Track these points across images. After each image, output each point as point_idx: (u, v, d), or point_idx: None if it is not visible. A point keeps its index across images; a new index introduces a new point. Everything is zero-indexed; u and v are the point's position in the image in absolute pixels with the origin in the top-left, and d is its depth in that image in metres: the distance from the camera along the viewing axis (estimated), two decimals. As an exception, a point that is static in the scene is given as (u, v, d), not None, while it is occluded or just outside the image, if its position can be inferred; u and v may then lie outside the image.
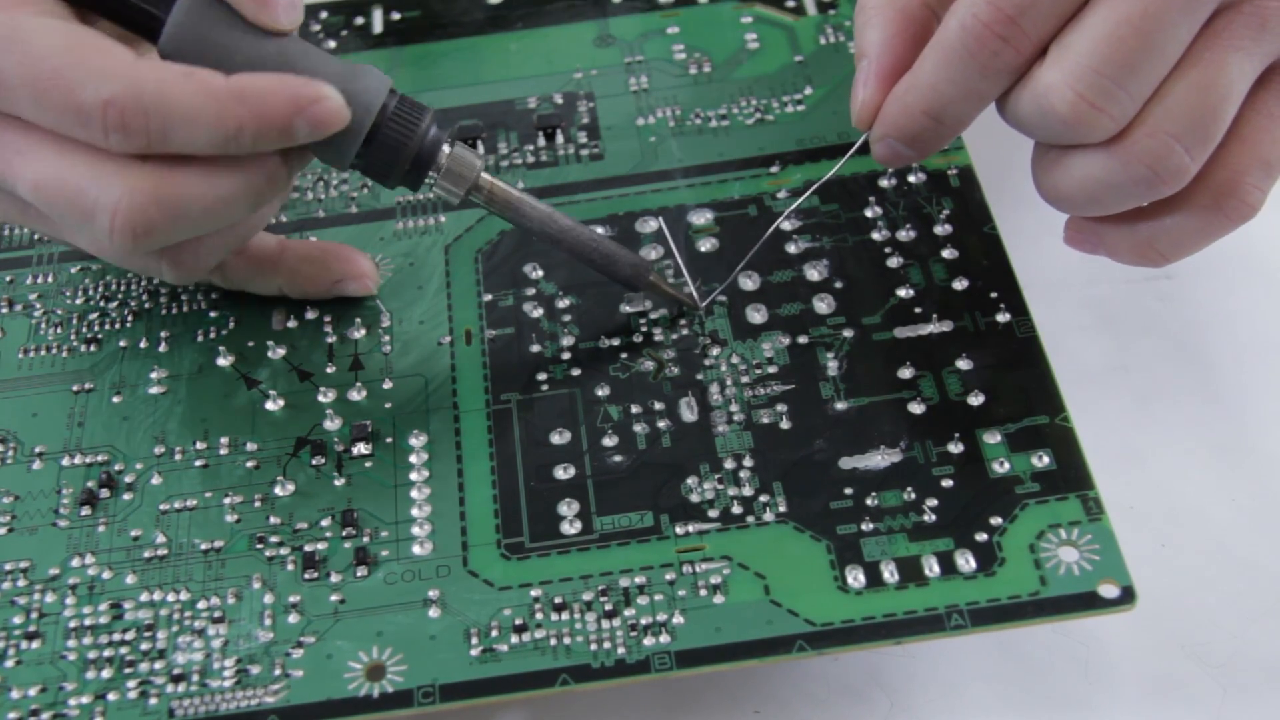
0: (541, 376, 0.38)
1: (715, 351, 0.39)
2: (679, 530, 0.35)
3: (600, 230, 0.41)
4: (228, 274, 0.40)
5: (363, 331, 0.40)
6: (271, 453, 0.37)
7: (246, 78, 0.33)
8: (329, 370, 0.39)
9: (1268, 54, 0.33)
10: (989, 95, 0.34)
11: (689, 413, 0.37)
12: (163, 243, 0.34)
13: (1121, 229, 0.35)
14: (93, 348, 0.40)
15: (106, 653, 0.34)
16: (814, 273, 0.40)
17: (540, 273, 0.41)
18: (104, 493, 0.37)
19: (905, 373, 0.38)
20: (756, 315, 0.39)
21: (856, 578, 0.34)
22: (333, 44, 0.48)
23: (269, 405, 0.38)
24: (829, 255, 0.40)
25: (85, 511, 0.36)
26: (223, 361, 0.39)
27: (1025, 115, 0.34)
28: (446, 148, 0.36)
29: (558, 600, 0.34)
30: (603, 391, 0.38)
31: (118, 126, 0.32)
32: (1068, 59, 0.32)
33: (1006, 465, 0.36)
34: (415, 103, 0.36)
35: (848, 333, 0.39)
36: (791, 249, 0.41)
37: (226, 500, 0.37)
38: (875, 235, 0.41)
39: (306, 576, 0.35)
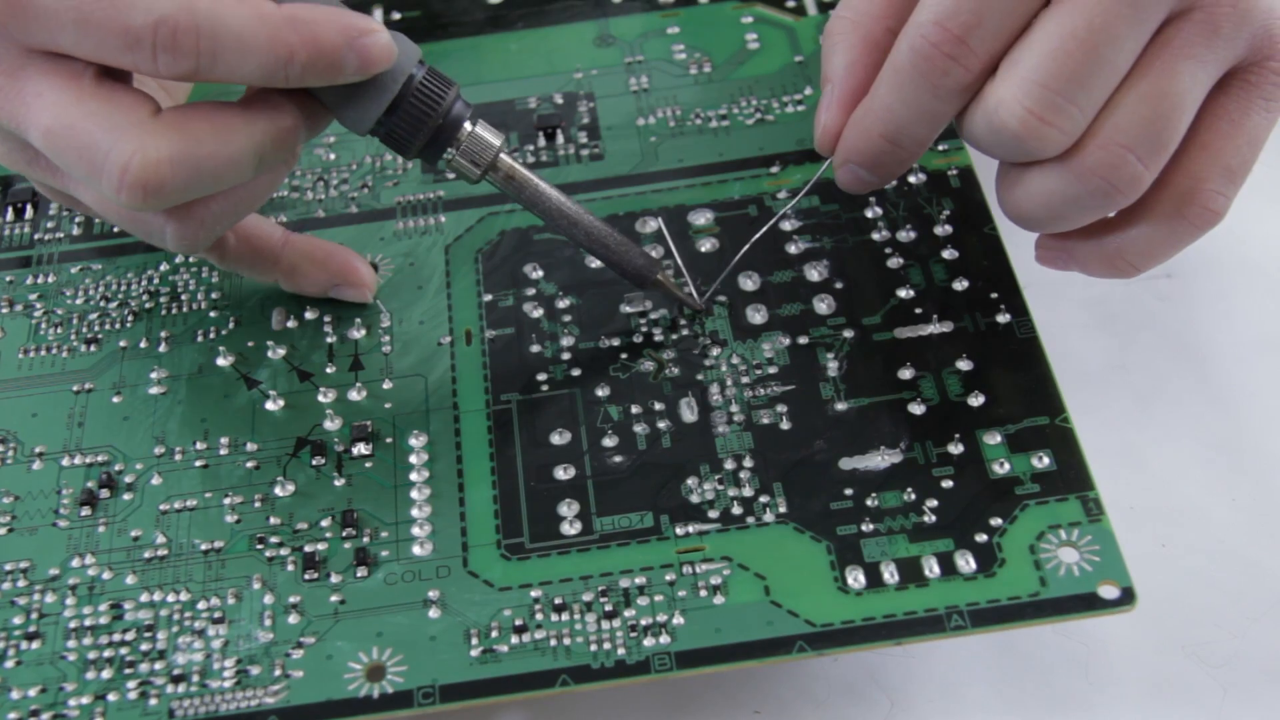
0: (541, 377, 0.38)
1: (715, 352, 0.39)
2: (679, 531, 0.35)
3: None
4: (227, 255, 0.39)
5: (363, 331, 0.40)
6: (271, 453, 0.37)
7: (299, 5, 0.33)
8: (329, 370, 0.39)
9: (1222, 60, 0.33)
10: (943, 116, 0.34)
11: (689, 413, 0.37)
12: (171, 202, 0.33)
13: (1089, 243, 0.36)
14: (93, 348, 0.40)
15: (106, 653, 0.34)
16: (814, 273, 0.40)
17: (540, 273, 0.41)
18: (104, 493, 0.37)
19: (905, 373, 0.38)
20: (757, 316, 0.39)
21: (856, 578, 0.34)
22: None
23: (269, 405, 0.38)
24: (829, 256, 0.40)
25: (85, 512, 0.36)
26: (223, 361, 0.39)
27: (979, 133, 0.34)
28: (468, 125, 0.36)
29: (558, 601, 0.34)
30: (603, 392, 0.38)
31: (168, 46, 0.32)
32: (1016, 75, 0.32)
33: (1006, 466, 0.36)
34: (443, 75, 0.36)
35: (848, 333, 0.39)
36: (792, 249, 0.41)
37: (226, 500, 0.37)
38: (875, 236, 0.41)
39: (306, 577, 0.35)
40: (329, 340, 0.40)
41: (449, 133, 0.36)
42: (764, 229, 0.40)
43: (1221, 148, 0.34)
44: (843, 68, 0.36)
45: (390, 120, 0.35)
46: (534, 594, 0.34)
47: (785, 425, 0.37)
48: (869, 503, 0.35)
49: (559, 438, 0.37)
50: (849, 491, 0.36)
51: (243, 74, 0.33)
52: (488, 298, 0.40)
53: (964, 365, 0.38)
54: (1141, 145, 0.33)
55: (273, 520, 0.36)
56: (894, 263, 0.40)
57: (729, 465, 0.36)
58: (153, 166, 0.32)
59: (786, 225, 0.41)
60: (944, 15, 0.33)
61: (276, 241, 0.40)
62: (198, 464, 0.37)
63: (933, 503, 0.35)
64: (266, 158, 0.34)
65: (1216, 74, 0.34)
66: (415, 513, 0.36)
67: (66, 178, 0.35)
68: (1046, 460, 0.36)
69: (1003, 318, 0.38)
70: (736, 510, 0.35)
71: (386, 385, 0.39)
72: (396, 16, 0.48)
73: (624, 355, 0.39)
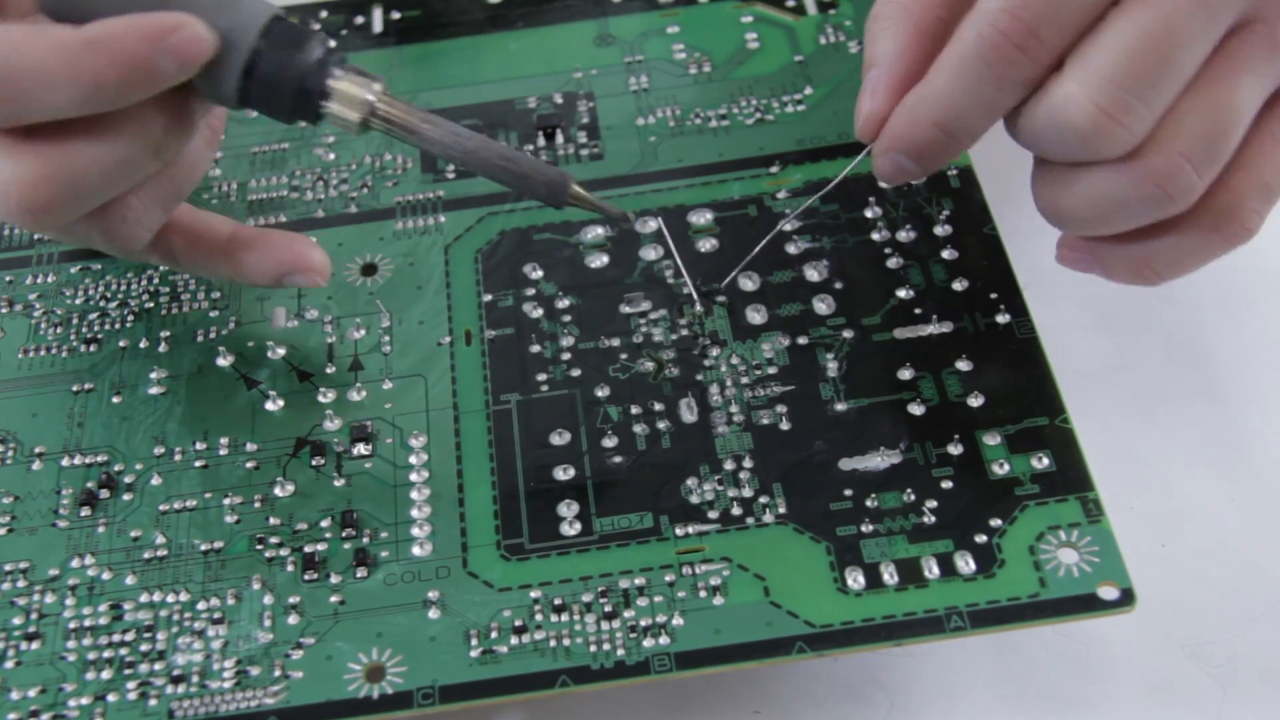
0: (541, 377, 0.38)
1: (715, 352, 0.39)
2: (679, 531, 0.35)
3: (600, 231, 0.41)
4: (177, 255, 0.39)
5: (363, 331, 0.40)
6: (271, 453, 0.37)
7: (97, 25, 0.31)
8: (329, 370, 0.39)
9: (1277, 76, 0.33)
10: (1001, 107, 0.34)
11: (689, 413, 0.37)
12: (70, 216, 0.33)
13: (1118, 248, 0.35)
14: (93, 348, 0.40)
15: (106, 654, 0.34)
16: (814, 273, 0.40)
17: (540, 273, 0.41)
18: (104, 493, 0.37)
19: (905, 374, 0.38)
20: (756, 316, 0.39)
21: (856, 579, 0.34)
22: (333, 43, 0.48)
23: (269, 405, 0.38)
24: (829, 256, 0.40)
25: (85, 512, 0.36)
26: (223, 361, 0.39)
27: (1039, 129, 0.33)
28: (338, 72, 0.34)
29: (557, 601, 0.34)
30: (603, 392, 0.38)
31: None
32: (1087, 71, 0.32)
33: (1006, 467, 0.36)
34: (299, 30, 0.34)
35: (848, 333, 0.39)
36: (791, 249, 0.41)
37: (226, 501, 0.37)
38: (875, 236, 0.41)
39: (306, 577, 0.35)
40: (329, 340, 0.40)
41: (317, 85, 0.34)
42: (770, 234, 0.40)
43: (1262, 166, 0.34)
44: (892, 53, 0.35)
45: (250, 86, 0.33)
46: (534, 595, 0.34)
47: (785, 426, 0.37)
48: (869, 503, 0.35)
49: (559, 438, 0.37)
50: (849, 492, 0.36)
51: (61, 109, 0.32)
52: (487, 298, 0.40)
53: (964, 366, 0.38)
54: (1199, 156, 0.32)
55: (272, 521, 0.36)
56: (894, 263, 0.40)
57: (729, 466, 0.36)
58: (30, 188, 0.32)
59: (786, 225, 0.41)
60: (1016, 5, 0.32)
61: (223, 236, 0.39)
62: (197, 464, 0.37)
63: (932, 503, 0.35)
64: (161, 146, 0.33)
65: (1269, 90, 0.33)
66: (415, 513, 0.36)
67: None
68: (1046, 461, 0.36)
69: (1002, 318, 0.38)
70: (736, 511, 0.35)
71: (386, 385, 0.39)
72: (396, 16, 0.48)
73: (624, 355, 0.39)
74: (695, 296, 0.39)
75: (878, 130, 0.35)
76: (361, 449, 0.37)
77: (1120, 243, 0.35)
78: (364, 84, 0.34)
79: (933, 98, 0.34)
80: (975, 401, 0.37)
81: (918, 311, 0.39)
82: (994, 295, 0.39)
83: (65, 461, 0.38)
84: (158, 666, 0.34)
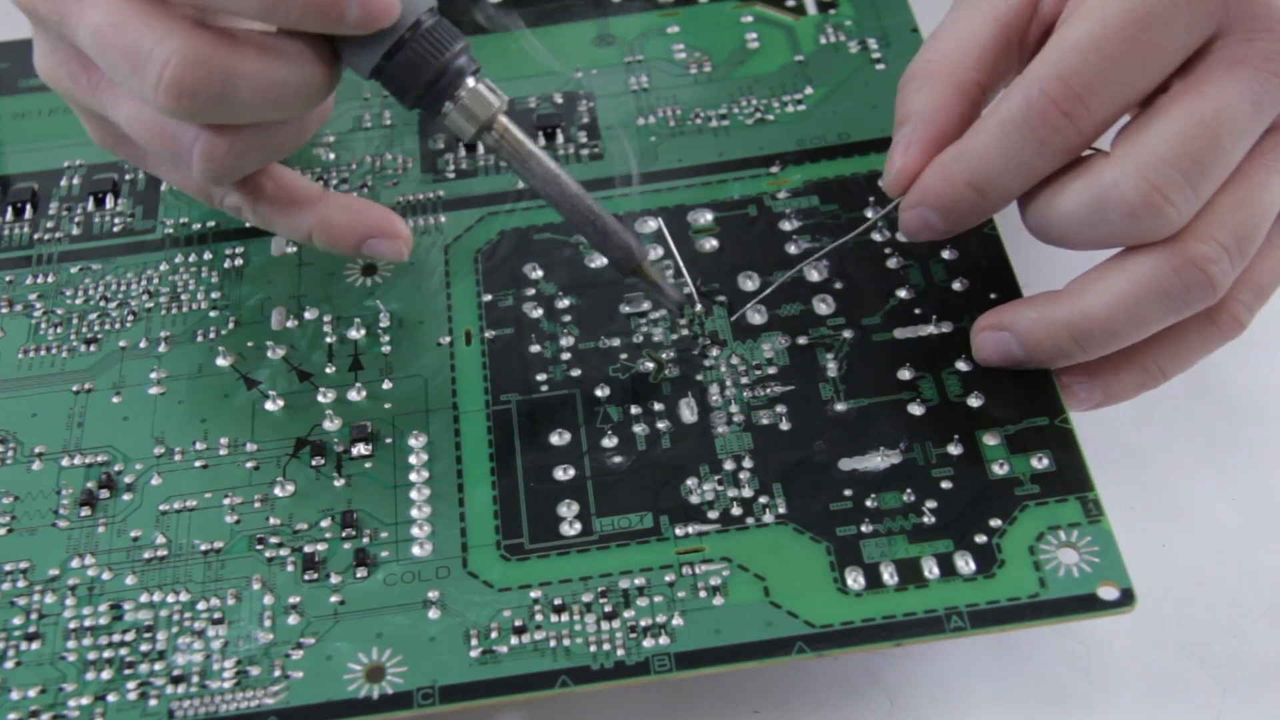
0: (541, 377, 0.38)
1: (715, 352, 0.39)
2: (679, 532, 0.35)
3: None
4: (263, 198, 0.38)
5: (362, 331, 0.40)
6: (271, 453, 0.37)
7: None
8: (329, 370, 0.39)
9: None
10: (1039, 173, 0.34)
11: (689, 413, 0.37)
12: (202, 112, 0.34)
13: (1123, 368, 0.36)
14: (93, 348, 0.40)
15: (106, 654, 0.34)
16: (814, 273, 0.40)
17: (540, 273, 0.41)
18: (104, 493, 0.37)
19: (905, 374, 0.38)
20: (756, 316, 0.39)
21: (856, 579, 0.34)
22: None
23: (269, 405, 0.38)
24: (829, 256, 0.40)
25: (85, 512, 0.37)
26: (222, 361, 0.39)
27: (1078, 210, 0.34)
28: (471, 81, 0.36)
29: (557, 602, 0.34)
30: (602, 392, 0.38)
31: None
32: (1139, 151, 0.33)
33: (1006, 467, 0.36)
34: (452, 29, 0.35)
35: (847, 334, 0.39)
36: (791, 249, 0.41)
37: (226, 501, 0.37)
38: (875, 236, 0.41)
39: (306, 577, 0.35)
40: (329, 340, 0.40)
41: (450, 86, 0.35)
42: (810, 259, 0.40)
43: (1256, 267, 0.35)
44: (928, 111, 0.36)
45: (390, 65, 0.35)
46: (534, 595, 0.34)
47: (785, 426, 0.37)
48: (868, 503, 0.35)
49: (559, 438, 0.37)
50: (848, 492, 0.36)
51: (241, 7, 0.33)
52: (487, 298, 0.40)
53: (963, 365, 0.38)
54: (1234, 248, 0.33)
55: (272, 521, 0.36)
56: (894, 263, 0.40)
57: (728, 466, 0.36)
58: (190, 67, 0.33)
59: (786, 225, 0.41)
60: (1068, 72, 0.33)
61: (313, 193, 0.39)
62: (197, 464, 0.37)
63: (932, 504, 0.35)
64: (305, 92, 0.35)
65: None
66: (415, 513, 0.36)
67: (104, 90, 0.36)
68: (1046, 461, 0.36)
69: (1003, 318, 0.38)
70: (736, 511, 0.35)
71: (386, 385, 0.39)
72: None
73: (624, 355, 0.39)
74: (695, 296, 0.39)
75: (908, 185, 0.36)
76: (361, 449, 0.37)
77: (1124, 358, 0.36)
78: (491, 99, 0.36)
79: (970, 156, 0.35)
80: (975, 401, 0.37)
81: (918, 311, 0.39)
82: (994, 295, 0.39)
83: (65, 461, 0.38)
84: (158, 666, 0.34)
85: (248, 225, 0.42)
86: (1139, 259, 0.34)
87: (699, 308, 0.39)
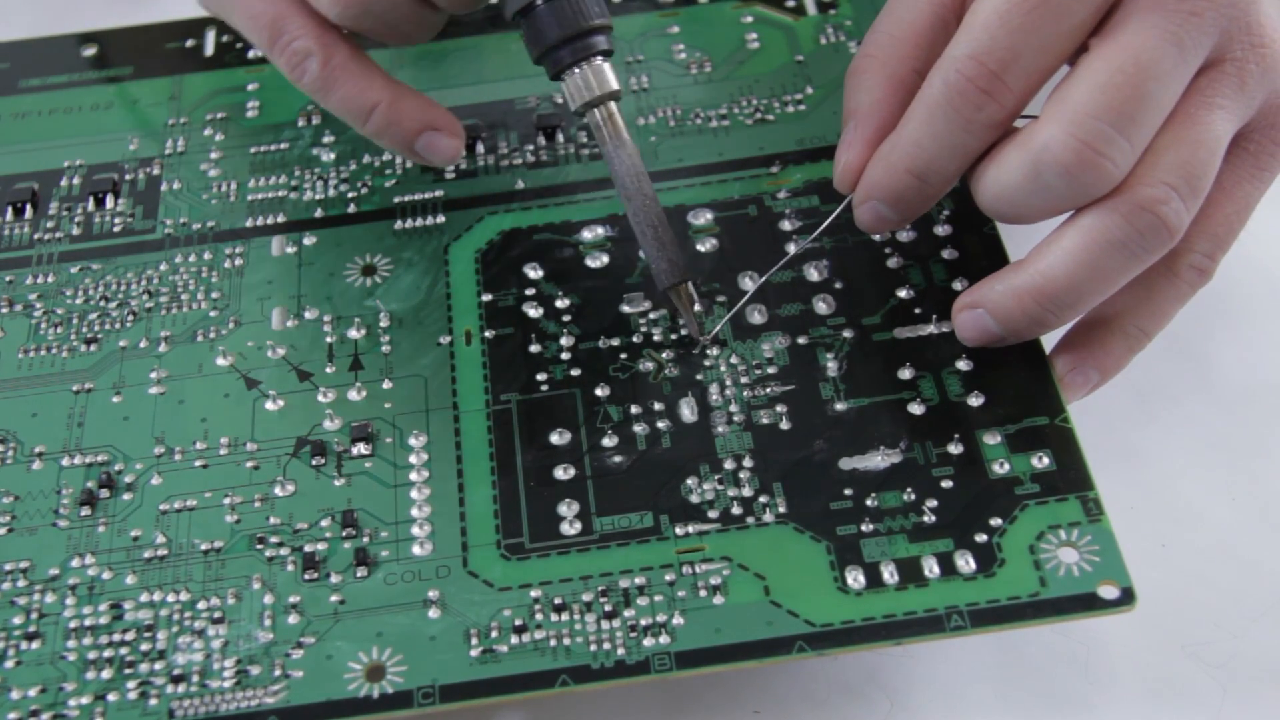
0: (541, 376, 0.38)
1: (715, 352, 0.39)
2: (679, 531, 0.35)
3: (600, 231, 0.41)
4: (341, 53, 0.40)
5: (362, 331, 0.40)
6: (271, 453, 0.37)
7: None
8: (329, 370, 0.39)
9: (1241, 116, 0.34)
10: (972, 151, 0.35)
11: (689, 413, 0.37)
12: None
13: (1110, 336, 0.37)
14: (93, 348, 0.40)
15: (106, 653, 0.34)
16: (814, 273, 0.40)
17: (540, 273, 0.41)
18: (104, 493, 0.37)
19: (905, 373, 0.38)
20: (756, 316, 0.39)
21: (856, 578, 0.34)
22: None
23: (269, 405, 0.38)
24: (829, 256, 0.40)
25: (85, 512, 0.37)
26: (222, 361, 0.39)
27: (1017, 180, 0.34)
28: (599, 58, 0.37)
29: (557, 601, 0.34)
30: (603, 392, 0.38)
31: None
32: (1065, 110, 0.33)
33: (1006, 466, 0.36)
34: (602, 6, 0.37)
35: (848, 333, 0.39)
36: (791, 249, 0.41)
37: (226, 500, 0.37)
38: (875, 236, 0.41)
39: (306, 577, 0.35)
40: (329, 340, 0.40)
41: (584, 50, 0.37)
42: (778, 266, 0.40)
43: (1210, 214, 0.35)
44: (867, 105, 0.36)
45: (539, 10, 0.36)
46: (534, 594, 0.34)
47: (785, 425, 0.37)
48: (869, 503, 0.35)
49: (559, 438, 0.37)
50: (849, 491, 0.36)
51: None
52: (487, 298, 0.40)
53: (963, 365, 0.38)
54: (1183, 187, 0.33)
55: (272, 520, 0.36)
56: (893, 263, 0.40)
57: (729, 465, 0.36)
58: None
59: (786, 225, 0.41)
60: (980, 50, 0.33)
61: (389, 79, 0.40)
62: (198, 464, 0.37)
63: (932, 503, 0.35)
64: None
65: (1235, 129, 0.34)
66: (415, 513, 0.36)
67: None
68: (1046, 460, 0.36)
69: (1002, 318, 0.38)
70: (736, 510, 0.35)
71: (386, 385, 0.39)
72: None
73: (624, 355, 0.39)
74: (694, 297, 0.39)
75: (855, 181, 0.37)
76: (361, 449, 0.37)
77: (1103, 329, 0.36)
78: (612, 80, 0.37)
79: (904, 145, 0.35)
80: (975, 401, 0.37)
81: (918, 311, 0.39)
82: (994, 295, 0.39)
83: (65, 461, 0.38)
84: (158, 666, 0.34)
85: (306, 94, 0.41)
86: (1090, 214, 0.34)
87: (699, 308, 0.39)
